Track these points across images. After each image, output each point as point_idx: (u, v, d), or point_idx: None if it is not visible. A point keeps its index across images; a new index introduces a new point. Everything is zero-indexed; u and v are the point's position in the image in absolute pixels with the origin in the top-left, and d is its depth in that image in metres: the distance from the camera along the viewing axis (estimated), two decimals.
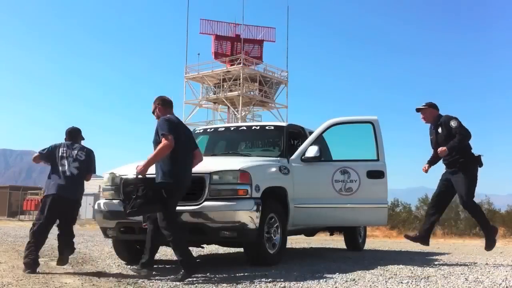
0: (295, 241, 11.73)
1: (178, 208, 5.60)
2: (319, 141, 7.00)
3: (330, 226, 8.52)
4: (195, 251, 8.46)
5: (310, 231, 8.46)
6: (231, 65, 38.15)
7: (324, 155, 7.00)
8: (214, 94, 39.17)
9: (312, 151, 6.69)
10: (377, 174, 6.81)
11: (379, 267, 6.16)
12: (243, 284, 4.68)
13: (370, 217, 6.96)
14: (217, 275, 5.16)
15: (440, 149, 6.41)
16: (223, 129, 8.27)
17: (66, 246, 5.98)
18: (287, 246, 6.88)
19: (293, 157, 6.77)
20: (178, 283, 4.73)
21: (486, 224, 6.55)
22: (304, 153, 6.76)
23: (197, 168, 5.88)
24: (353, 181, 6.76)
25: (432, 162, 6.81)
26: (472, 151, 6.56)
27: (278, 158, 6.74)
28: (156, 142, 5.07)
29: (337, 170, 6.77)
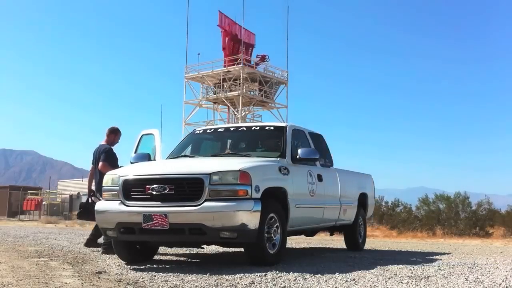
0: (295, 241, 11.74)
1: (178, 208, 5.62)
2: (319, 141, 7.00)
3: (330, 226, 8.54)
4: (195, 251, 8.47)
5: (310, 231, 8.46)
6: (231, 64, 38.13)
7: (323, 157, 6.98)
8: (214, 94, 39.19)
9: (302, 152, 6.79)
10: None
11: (379, 267, 6.16)
12: (243, 284, 4.69)
13: None
14: (217, 275, 5.16)
15: None
16: (223, 129, 8.27)
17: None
18: (287, 246, 6.89)
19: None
20: (178, 283, 4.73)
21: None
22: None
23: (197, 169, 5.89)
24: None
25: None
26: None
27: (278, 159, 6.74)
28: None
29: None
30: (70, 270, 5.66)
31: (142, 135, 8.66)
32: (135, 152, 8.34)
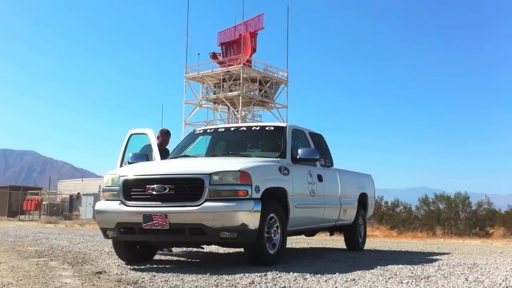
0: (295, 241, 11.74)
1: (178, 208, 5.62)
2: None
3: (330, 226, 8.55)
4: (195, 251, 8.47)
5: (310, 231, 8.46)
6: (231, 65, 38.15)
7: (324, 157, 6.97)
8: (214, 94, 39.20)
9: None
10: None
11: (379, 267, 6.16)
12: (243, 284, 4.69)
13: None
14: (217, 275, 5.16)
15: None
16: (223, 129, 8.27)
17: None
18: (287, 246, 6.89)
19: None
20: (178, 283, 4.73)
21: None
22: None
23: (197, 169, 5.89)
24: None
25: None
26: None
27: (278, 159, 6.75)
28: None
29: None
30: (70, 270, 5.66)
31: (131, 135, 8.61)
32: (124, 152, 8.31)
